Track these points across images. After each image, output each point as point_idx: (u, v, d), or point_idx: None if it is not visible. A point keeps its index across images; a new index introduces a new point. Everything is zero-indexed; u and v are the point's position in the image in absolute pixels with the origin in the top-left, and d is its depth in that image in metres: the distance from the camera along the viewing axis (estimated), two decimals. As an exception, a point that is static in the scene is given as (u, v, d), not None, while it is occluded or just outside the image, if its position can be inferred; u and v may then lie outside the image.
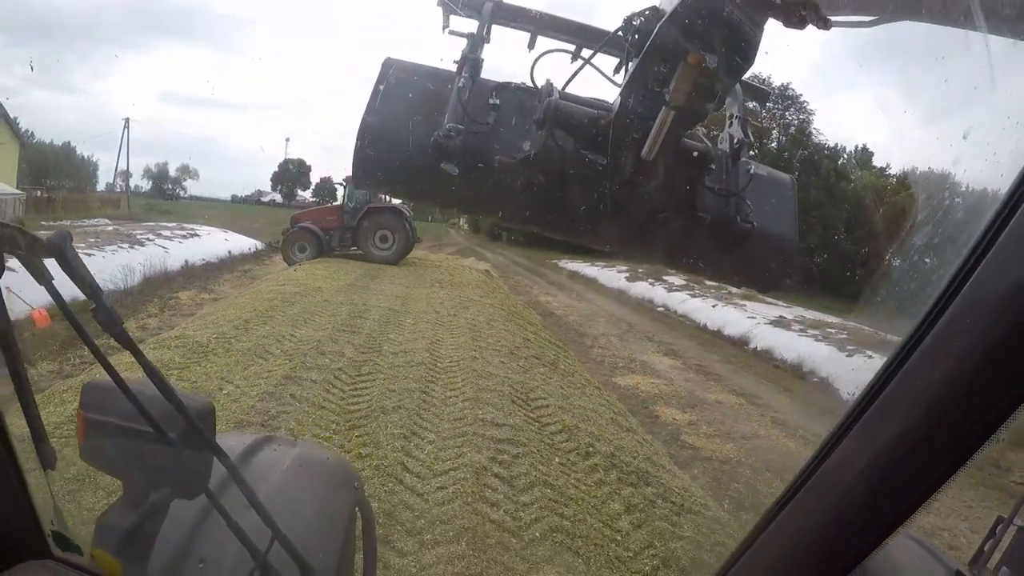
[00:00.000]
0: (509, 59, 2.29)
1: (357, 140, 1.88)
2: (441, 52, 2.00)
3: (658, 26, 1.53)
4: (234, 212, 33.78)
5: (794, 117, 28.80)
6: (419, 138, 1.84)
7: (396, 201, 14.97)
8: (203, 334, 6.42)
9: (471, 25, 1.95)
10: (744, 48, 1.45)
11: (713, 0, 1.42)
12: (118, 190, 35.09)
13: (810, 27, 1.38)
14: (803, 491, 0.57)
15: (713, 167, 1.93)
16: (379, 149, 1.89)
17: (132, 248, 13.53)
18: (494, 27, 1.97)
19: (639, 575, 3.17)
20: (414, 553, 2.89)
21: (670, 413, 7.57)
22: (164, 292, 11.41)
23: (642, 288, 17.30)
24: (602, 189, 1.82)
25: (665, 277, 17.04)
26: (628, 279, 18.26)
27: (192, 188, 56.49)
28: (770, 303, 14.37)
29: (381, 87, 1.91)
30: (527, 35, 1.98)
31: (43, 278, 0.68)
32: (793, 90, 28.36)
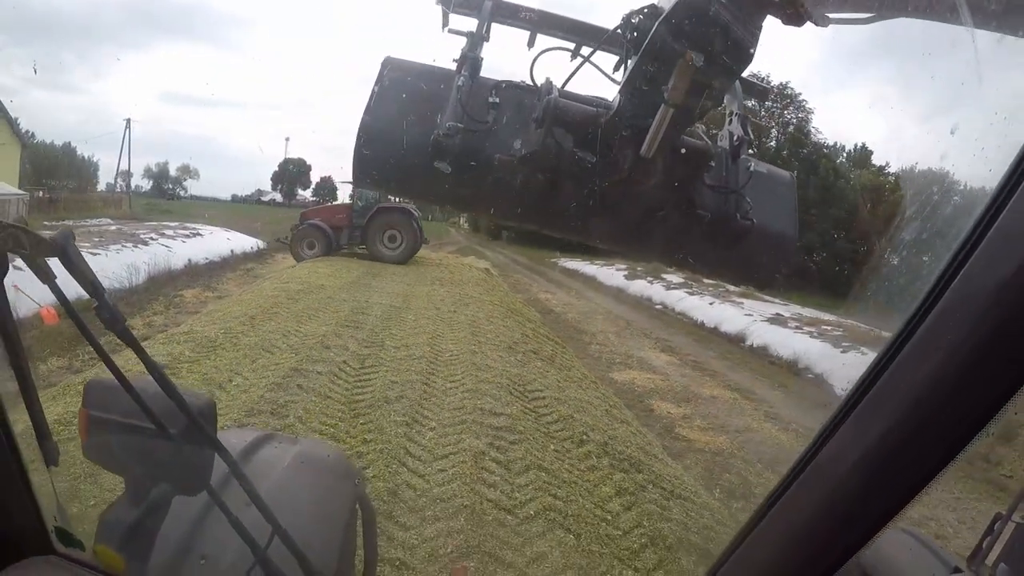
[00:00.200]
0: (509, 57, 2.28)
1: (356, 139, 1.89)
2: (441, 51, 1.99)
3: (656, 24, 1.52)
4: (235, 212, 33.84)
5: (793, 116, 28.92)
6: (418, 137, 1.84)
7: (405, 201, 15.06)
8: (211, 330, 6.63)
9: (470, 23, 1.95)
10: (742, 45, 1.45)
11: None
12: (119, 190, 35.21)
13: (808, 24, 1.37)
14: (795, 485, 0.58)
15: (712, 164, 1.92)
16: (378, 148, 1.89)
17: (136, 247, 13.65)
18: (494, 25, 1.97)
19: (628, 552, 3.36)
20: (416, 527, 3.11)
21: (665, 407, 7.73)
22: (169, 290, 11.58)
23: (640, 286, 17.40)
24: (601, 187, 1.82)
25: (663, 275, 17.14)
26: (627, 277, 18.36)
27: (192, 188, 56.65)
28: (767, 301, 14.42)
29: (380, 86, 1.92)
30: (527, 33, 1.98)
31: (47, 277, 0.68)
32: (792, 89, 28.48)
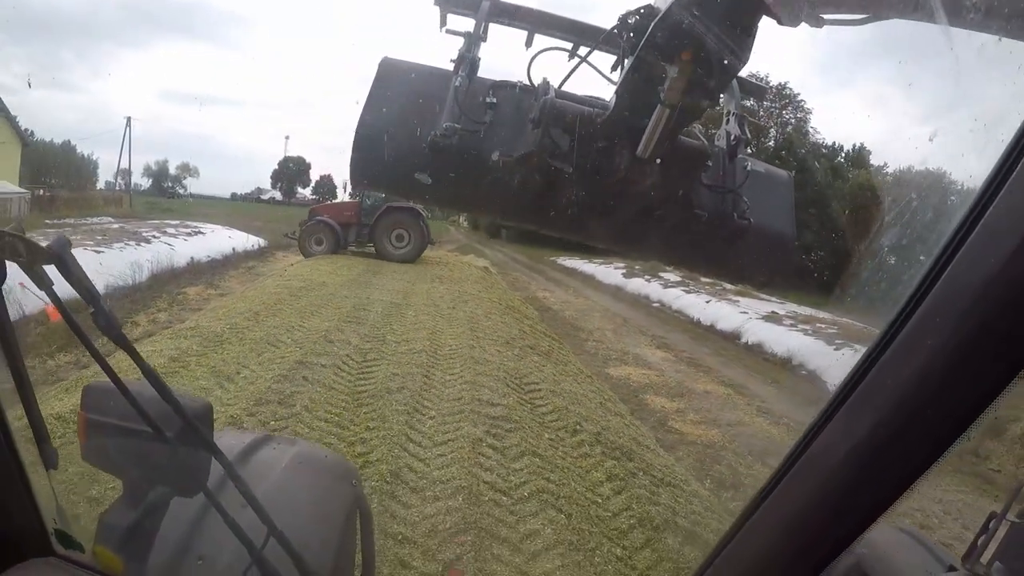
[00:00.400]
0: (506, 57, 2.28)
1: (354, 139, 1.88)
2: (441, 50, 1.98)
3: (652, 24, 1.52)
4: (235, 210, 33.87)
5: (791, 116, 29.03)
6: (416, 137, 1.83)
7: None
8: (217, 325, 6.81)
9: (468, 24, 1.94)
10: (738, 45, 1.45)
11: None
12: (118, 188, 35.23)
13: (803, 25, 1.38)
14: (784, 481, 0.59)
15: (710, 164, 1.92)
16: (376, 148, 1.88)
17: (139, 245, 13.76)
18: (491, 26, 1.96)
19: (616, 531, 3.55)
20: (417, 506, 3.31)
21: (659, 401, 7.86)
22: (172, 288, 11.70)
23: (638, 284, 17.47)
24: (599, 187, 1.82)
25: (661, 274, 17.21)
26: (625, 275, 18.43)
27: (192, 186, 56.61)
28: (763, 299, 14.43)
29: (377, 87, 1.91)
30: (524, 33, 1.97)
31: (44, 284, 0.69)
32: (791, 89, 28.60)
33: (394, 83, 1.93)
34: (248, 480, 0.80)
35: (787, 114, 29.13)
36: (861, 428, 0.51)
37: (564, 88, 1.88)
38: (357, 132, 1.88)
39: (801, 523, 0.58)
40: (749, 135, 2.05)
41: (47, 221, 17.56)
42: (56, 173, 36.08)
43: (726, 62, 1.47)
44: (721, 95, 1.86)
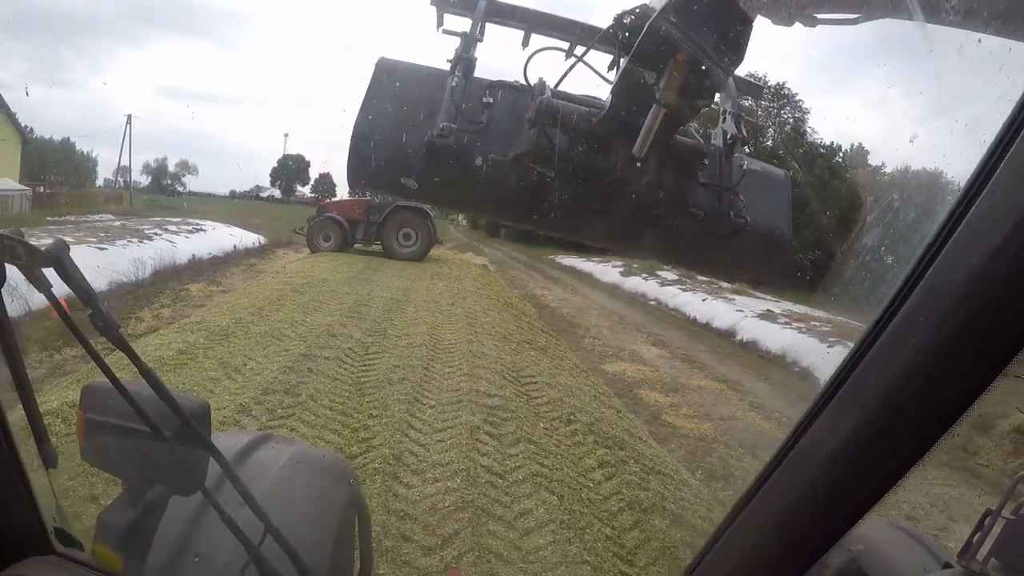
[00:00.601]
0: (503, 57, 2.29)
1: (351, 140, 1.87)
2: (441, 48, 1.97)
3: (647, 24, 1.52)
4: (234, 208, 33.86)
5: (790, 116, 29.12)
6: (413, 137, 1.83)
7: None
8: (222, 320, 6.99)
9: (465, 24, 1.93)
10: (734, 44, 1.45)
11: None
12: (116, 186, 35.24)
13: (797, 24, 1.39)
14: (774, 476, 0.60)
15: (706, 162, 1.92)
16: (373, 149, 1.88)
17: (141, 243, 13.86)
18: (488, 25, 1.95)
19: (606, 513, 3.75)
20: (418, 487, 3.52)
21: (653, 396, 7.99)
22: (175, 284, 11.82)
23: (635, 283, 17.56)
24: (595, 186, 1.82)
25: (658, 272, 17.32)
26: (622, 274, 18.53)
27: (190, 183, 56.64)
28: (759, 297, 14.46)
29: (374, 87, 1.91)
30: (521, 33, 1.97)
31: (43, 287, 0.69)
32: (789, 89, 28.67)
33: (390, 83, 1.93)
34: (246, 479, 0.81)
35: (785, 114, 29.22)
36: (847, 425, 0.52)
37: (560, 88, 1.89)
38: (353, 133, 1.89)
39: (791, 518, 0.59)
40: (746, 134, 2.03)
41: (48, 218, 17.66)
42: (56, 170, 36.07)
43: (721, 61, 1.47)
44: (717, 94, 1.87)
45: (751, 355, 11.51)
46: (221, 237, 17.61)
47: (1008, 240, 0.42)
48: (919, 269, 0.48)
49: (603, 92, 1.87)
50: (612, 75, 1.85)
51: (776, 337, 11.80)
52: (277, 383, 4.89)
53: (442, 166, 1.85)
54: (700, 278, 15.43)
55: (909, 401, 0.48)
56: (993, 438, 6.49)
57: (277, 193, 57.67)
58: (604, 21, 1.78)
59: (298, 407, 4.48)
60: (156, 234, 15.46)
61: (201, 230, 17.87)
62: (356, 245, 16.07)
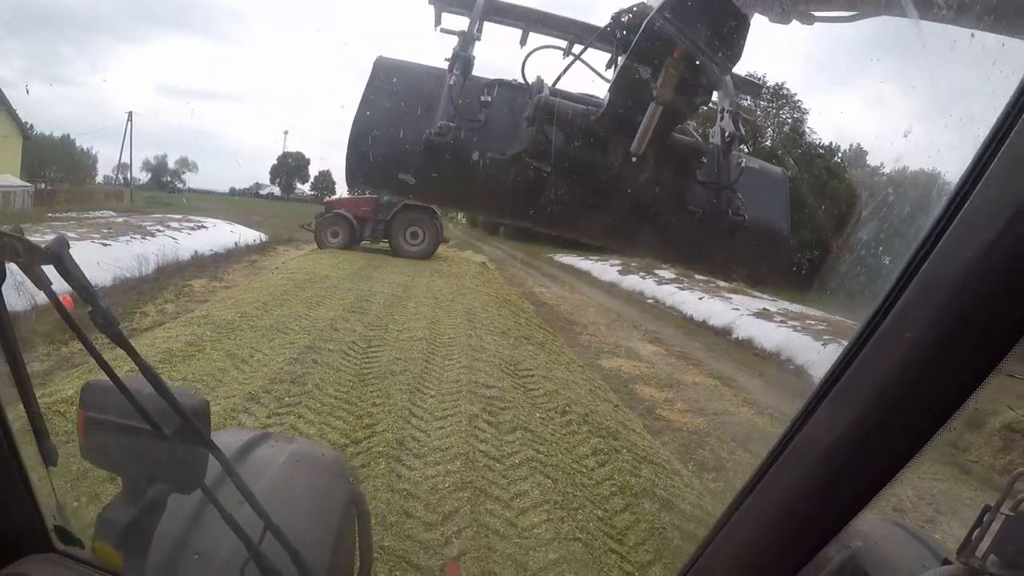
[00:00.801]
0: (501, 55, 2.28)
1: (350, 138, 1.87)
2: (441, 45, 1.96)
3: (645, 22, 1.52)
4: (234, 205, 33.91)
5: (788, 116, 29.19)
6: (411, 136, 1.83)
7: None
8: (227, 314, 7.16)
9: (462, 22, 1.93)
10: (731, 42, 1.45)
11: None
12: (116, 183, 35.27)
13: (795, 23, 1.38)
14: (770, 473, 0.60)
15: (704, 161, 1.91)
16: (371, 148, 1.88)
17: (144, 239, 13.99)
18: (486, 24, 1.95)
19: (598, 496, 3.93)
20: (420, 469, 3.71)
21: (648, 391, 8.11)
22: (178, 280, 11.95)
23: (633, 281, 17.63)
24: (593, 184, 1.82)
25: (656, 271, 17.41)
26: (620, 272, 18.60)
27: (190, 181, 56.74)
28: (755, 296, 14.53)
29: (372, 86, 1.91)
30: (519, 32, 1.97)
31: (42, 284, 0.69)
32: (788, 89, 28.73)
33: (388, 82, 1.93)
34: (246, 477, 0.81)
35: (784, 114, 29.27)
36: (844, 420, 0.52)
37: (558, 86, 1.89)
38: (352, 130, 1.88)
39: (789, 513, 0.59)
40: (744, 132, 2.03)
41: (49, 215, 17.73)
42: (55, 167, 36.11)
43: (718, 59, 1.47)
44: (715, 92, 1.87)
45: (746, 352, 11.58)
46: (222, 234, 17.75)
47: (1002, 234, 0.42)
48: (914, 264, 0.48)
49: (601, 90, 1.87)
50: (610, 73, 1.85)
51: (771, 335, 11.85)
52: (284, 373, 5.08)
53: (440, 164, 1.85)
54: (698, 277, 15.48)
55: (905, 396, 0.48)
56: (983, 435, 6.59)
57: (277, 190, 57.72)
58: (602, 20, 1.79)
59: (304, 396, 4.67)
60: (158, 230, 15.60)
61: (203, 227, 18.01)
62: (363, 242, 16.26)
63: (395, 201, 15.61)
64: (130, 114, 33.14)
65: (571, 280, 18.97)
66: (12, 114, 24.98)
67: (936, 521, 4.90)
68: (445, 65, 1.92)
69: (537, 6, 2.07)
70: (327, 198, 16.90)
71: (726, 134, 1.99)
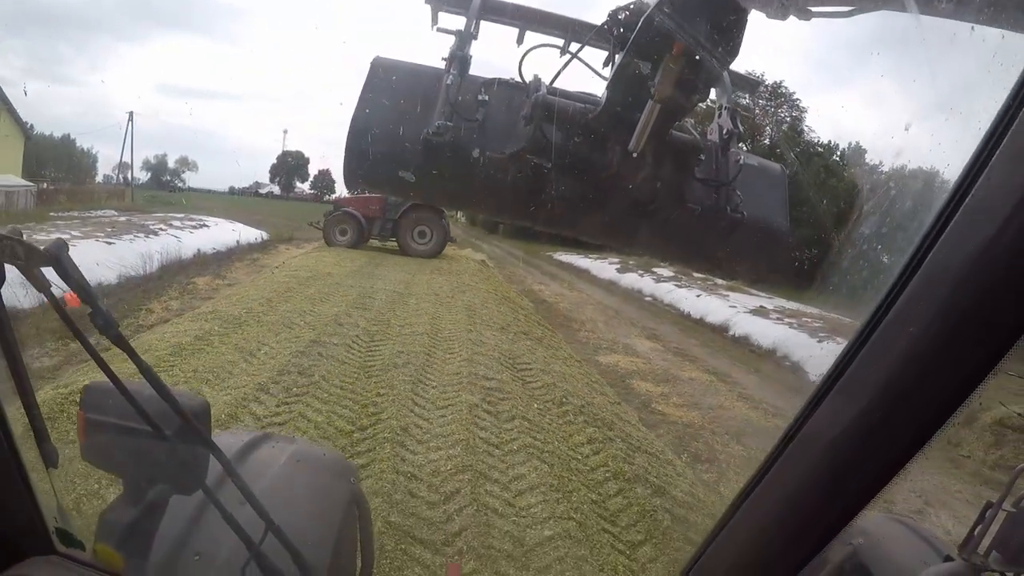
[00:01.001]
0: (499, 54, 2.29)
1: (347, 139, 1.87)
2: (438, 46, 1.97)
3: (642, 19, 1.52)
4: (234, 204, 33.98)
5: (787, 114, 29.25)
6: (409, 136, 1.83)
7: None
8: (234, 310, 7.35)
9: (459, 22, 1.93)
10: (729, 36, 1.44)
11: None
12: (115, 182, 35.37)
13: (791, 18, 1.38)
14: (776, 466, 0.61)
15: (702, 158, 1.91)
16: (369, 148, 1.87)
17: (148, 237, 14.12)
18: (483, 23, 1.95)
19: (593, 481, 4.11)
20: (423, 453, 3.91)
21: (644, 386, 8.24)
22: (181, 278, 12.10)
23: (631, 279, 17.70)
24: (591, 182, 1.81)
25: (654, 269, 17.51)
26: (619, 270, 18.68)
27: (190, 180, 56.89)
28: (753, 294, 14.55)
29: (369, 86, 1.90)
30: (515, 31, 1.97)
31: (42, 286, 0.69)
32: (786, 88, 28.79)
33: (386, 82, 1.93)
34: (246, 477, 0.82)
35: (783, 112, 29.33)
36: (848, 414, 0.52)
37: (556, 84, 1.89)
38: (349, 132, 1.88)
39: (793, 508, 0.59)
40: (742, 129, 2.02)
41: (52, 214, 17.86)
42: (55, 167, 36.20)
43: (715, 56, 1.47)
44: (712, 89, 1.86)
45: (743, 349, 11.65)
46: (224, 233, 17.90)
47: (1005, 226, 0.42)
48: (917, 258, 0.48)
49: (598, 89, 1.88)
50: (607, 71, 1.84)
51: (768, 332, 11.90)
52: (291, 366, 5.28)
53: (439, 164, 1.86)
54: (696, 275, 15.54)
55: (909, 390, 0.48)
56: (974, 430, 6.65)
57: (276, 189, 57.83)
58: (599, 18, 1.78)
59: (311, 386, 4.86)
60: (161, 229, 15.75)
61: (204, 226, 18.15)
62: (371, 241, 16.42)
63: (402, 200, 15.66)
64: (131, 114, 33.16)
65: (570, 278, 19.10)
66: (14, 114, 25.06)
67: (924, 513, 5.06)
68: (442, 64, 1.93)
69: (533, 5, 2.07)
70: (336, 197, 17.01)
71: (724, 131, 2.00)
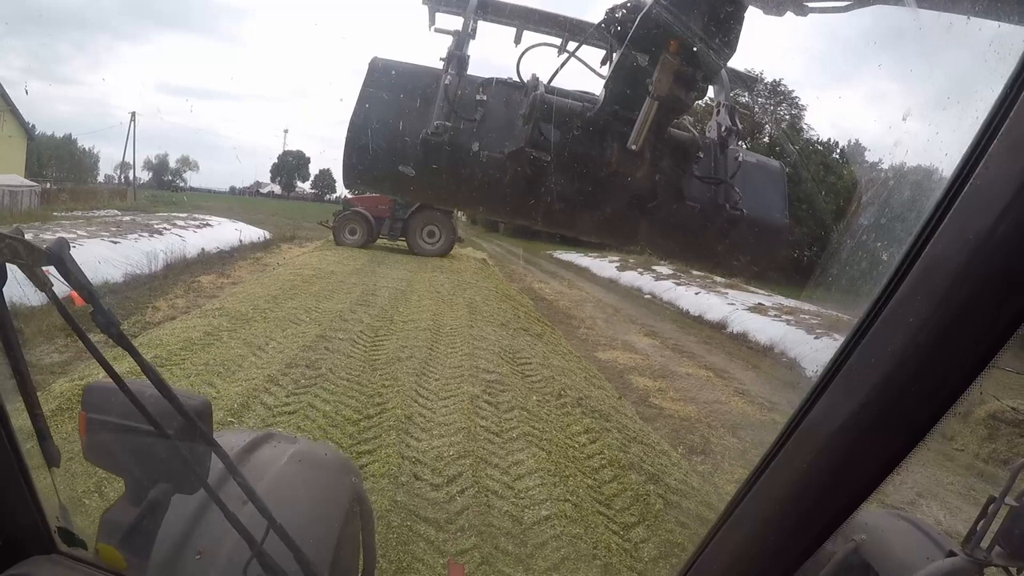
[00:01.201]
0: (496, 54, 2.32)
1: (346, 139, 1.88)
2: (437, 45, 1.98)
3: (639, 18, 1.52)
4: (236, 203, 34.10)
5: (786, 112, 29.29)
6: (407, 137, 1.84)
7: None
8: (241, 307, 7.53)
9: (457, 22, 1.94)
10: (727, 29, 1.45)
11: None
12: (117, 182, 35.52)
13: (788, 14, 1.39)
14: (775, 460, 0.61)
15: (701, 155, 1.91)
16: (368, 147, 1.88)
17: (152, 237, 14.24)
18: (480, 23, 1.96)
19: (589, 468, 4.29)
20: (427, 440, 4.10)
21: (642, 381, 8.36)
22: (186, 277, 12.23)
23: (631, 277, 17.82)
24: (590, 180, 1.82)
25: (654, 267, 17.62)
26: (618, 268, 18.80)
27: (190, 179, 57.10)
28: (751, 291, 14.68)
29: (367, 87, 1.91)
30: (513, 30, 1.99)
31: (44, 285, 0.69)
32: (785, 86, 28.85)
33: (384, 82, 1.93)
34: (248, 477, 0.81)
35: (782, 110, 29.37)
36: (847, 407, 0.52)
37: (554, 83, 1.90)
38: (348, 132, 1.88)
39: (793, 502, 0.58)
40: (740, 126, 2.02)
41: (55, 214, 18.03)
42: (57, 167, 36.35)
43: (712, 53, 1.48)
44: (710, 86, 1.87)
45: (740, 346, 11.76)
46: (227, 232, 18.05)
47: (1003, 216, 0.42)
48: (915, 248, 0.47)
49: (596, 87, 1.89)
50: (605, 70, 1.86)
51: (766, 329, 12.03)
52: (299, 359, 5.47)
53: (437, 163, 1.86)
54: (695, 273, 15.73)
55: (908, 382, 0.48)
56: (968, 423, 6.83)
57: (277, 189, 58.00)
58: (595, 17, 1.79)
59: (319, 378, 5.05)
60: (165, 228, 15.89)
61: (208, 225, 18.29)
62: (380, 240, 16.61)
63: (411, 201, 15.85)
64: (133, 114, 33.37)
65: (570, 276, 19.24)
66: (17, 114, 25.19)
67: (916, 504, 5.22)
68: (440, 65, 1.94)
69: (533, 4, 2.08)
70: (347, 196, 17.15)
71: (722, 128, 2.00)
